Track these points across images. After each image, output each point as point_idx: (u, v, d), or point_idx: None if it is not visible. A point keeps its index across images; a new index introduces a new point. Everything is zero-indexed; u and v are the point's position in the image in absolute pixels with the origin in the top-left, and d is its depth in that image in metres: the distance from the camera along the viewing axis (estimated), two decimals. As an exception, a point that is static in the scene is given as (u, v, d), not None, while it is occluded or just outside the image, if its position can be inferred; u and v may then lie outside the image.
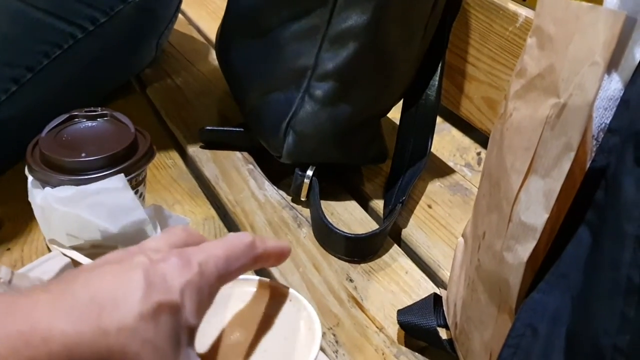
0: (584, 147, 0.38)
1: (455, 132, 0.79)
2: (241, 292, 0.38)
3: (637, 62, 0.37)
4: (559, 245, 0.37)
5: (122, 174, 0.50)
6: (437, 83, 0.68)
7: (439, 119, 0.78)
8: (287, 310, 0.37)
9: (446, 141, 0.77)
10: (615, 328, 0.33)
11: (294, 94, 0.63)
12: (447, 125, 0.80)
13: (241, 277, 0.39)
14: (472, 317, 0.44)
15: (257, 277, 0.40)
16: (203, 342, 0.35)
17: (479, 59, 0.68)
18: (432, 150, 0.68)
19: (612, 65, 0.39)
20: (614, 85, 0.39)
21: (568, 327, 0.36)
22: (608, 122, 0.38)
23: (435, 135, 0.74)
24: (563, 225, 0.38)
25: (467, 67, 0.70)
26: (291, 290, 0.38)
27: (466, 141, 0.79)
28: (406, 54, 0.63)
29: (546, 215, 0.36)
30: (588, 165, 0.37)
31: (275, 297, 0.38)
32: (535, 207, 0.36)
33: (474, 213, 0.46)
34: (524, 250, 0.37)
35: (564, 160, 0.35)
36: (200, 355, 0.35)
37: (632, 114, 0.36)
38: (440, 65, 0.67)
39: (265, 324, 0.37)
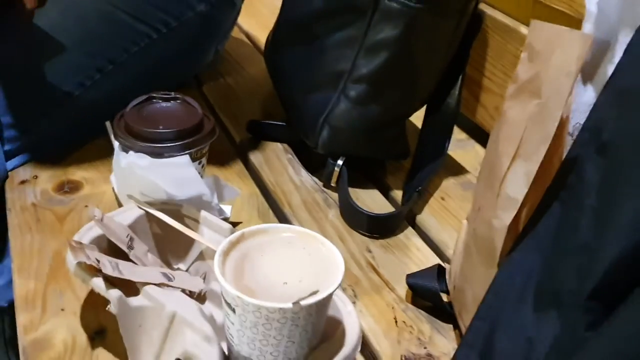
0: (561, 141, 0.48)
1: (479, 148, 0.88)
2: (282, 237, 0.49)
3: (608, 76, 0.47)
4: (536, 217, 0.47)
5: (188, 155, 0.61)
6: (457, 92, 0.78)
7: (464, 135, 0.88)
8: (317, 251, 0.48)
9: (470, 156, 0.86)
10: (572, 277, 0.42)
11: (331, 93, 0.73)
12: (472, 142, 0.89)
13: (286, 226, 0.50)
14: (467, 277, 0.54)
15: (296, 226, 0.50)
16: (252, 277, 0.46)
17: (494, 73, 0.78)
18: (455, 160, 0.78)
19: (589, 77, 0.50)
20: (589, 94, 0.49)
21: (538, 279, 0.45)
22: (582, 122, 0.48)
23: (459, 150, 0.84)
24: (541, 202, 0.47)
25: (483, 80, 0.80)
26: (320, 236, 0.49)
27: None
28: (430, 65, 0.74)
29: (525, 190, 0.46)
30: (564, 156, 0.47)
31: (308, 241, 0.49)
32: (518, 184, 0.47)
33: (474, 194, 0.56)
34: (507, 217, 0.47)
35: (541, 147, 0.45)
36: (249, 287, 0.45)
37: (597, 116, 0.45)
38: (460, 77, 0.78)
39: (301, 260, 0.47)
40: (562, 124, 0.46)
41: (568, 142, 0.48)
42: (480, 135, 0.88)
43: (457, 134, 0.88)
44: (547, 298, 0.44)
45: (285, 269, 0.47)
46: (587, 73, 0.49)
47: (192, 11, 0.84)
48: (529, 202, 0.48)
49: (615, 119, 0.43)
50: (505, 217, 0.47)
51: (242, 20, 1.15)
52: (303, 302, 0.42)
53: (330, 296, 0.45)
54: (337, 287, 0.44)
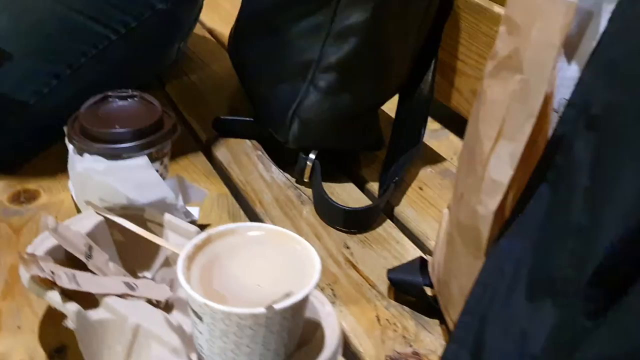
0: (546, 118, 0.45)
1: (453, 137, 0.85)
2: (253, 237, 0.45)
3: (592, 48, 0.44)
4: (524, 201, 0.44)
5: (146, 156, 0.57)
6: (430, 78, 0.75)
7: (437, 125, 0.85)
8: (292, 249, 0.44)
9: (444, 146, 0.83)
10: (566, 263, 0.39)
11: (300, 84, 0.70)
12: (446, 131, 0.86)
13: (256, 224, 0.46)
14: (451, 268, 0.51)
15: (267, 225, 0.46)
16: (221, 281, 0.42)
17: (468, 55, 0.75)
18: (432, 148, 0.75)
19: (572, 51, 0.46)
20: (573, 68, 0.46)
21: (529, 267, 0.42)
22: (567, 98, 0.45)
23: (433, 140, 0.81)
24: (528, 185, 0.44)
25: (457, 64, 0.77)
26: (294, 234, 0.45)
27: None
28: (401, 50, 0.70)
29: (511, 172, 0.43)
30: (550, 134, 0.44)
31: (281, 239, 0.45)
32: (503, 166, 0.43)
33: (456, 180, 0.53)
34: (493, 202, 0.44)
35: (526, 125, 0.42)
36: (219, 292, 0.41)
37: (584, 90, 0.42)
38: (433, 62, 0.74)
39: (275, 259, 0.44)
40: (547, 100, 0.43)
41: (553, 119, 0.45)
42: (454, 124, 0.85)
43: (431, 124, 0.85)
44: (540, 287, 0.41)
45: (258, 270, 0.43)
46: (570, 46, 0.46)
47: (151, 10, 0.79)
48: (515, 186, 0.45)
49: (604, 92, 0.40)
50: (490, 203, 0.44)
51: (203, 16, 1.11)
52: (277, 306, 0.39)
53: (307, 297, 0.41)
54: (313, 287, 0.41)
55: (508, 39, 0.45)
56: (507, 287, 0.43)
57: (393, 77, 0.72)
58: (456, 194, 0.51)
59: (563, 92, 0.47)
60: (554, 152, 0.43)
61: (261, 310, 0.39)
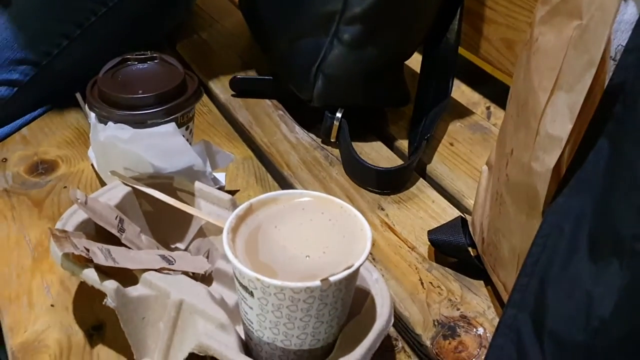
0: (603, 66, 0.42)
1: (465, 88, 0.82)
2: (297, 204, 0.43)
3: (651, -12, 0.41)
4: (581, 156, 0.42)
5: (174, 122, 0.55)
6: (456, 27, 0.71)
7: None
8: (340, 216, 0.42)
9: (456, 97, 0.80)
10: (634, 220, 0.37)
11: (323, 38, 0.66)
12: (457, 82, 0.83)
13: (298, 191, 0.44)
14: (500, 228, 0.48)
15: (310, 191, 0.44)
16: (267, 253, 0.40)
17: (497, 2, 0.71)
18: (457, 101, 0.72)
19: (629, -9, 0.43)
20: (630, 10, 0.43)
21: (590, 225, 0.40)
22: (625, 43, 0.42)
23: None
24: (584, 138, 0.42)
25: (485, 11, 0.73)
26: (339, 200, 0.43)
27: (475, 96, 0.81)
28: (428, -2, 0.67)
29: (570, 126, 0.40)
30: (607, 83, 0.41)
31: (327, 206, 0.43)
32: (561, 119, 0.41)
33: (500, 136, 0.50)
34: (551, 158, 0.41)
35: (586, 75, 0.40)
36: (267, 265, 0.39)
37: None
38: (459, 9, 0.71)
39: (321, 229, 0.41)
40: (605, 46, 0.40)
41: (610, 67, 0.42)
42: (463, 74, 0.81)
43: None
44: (604, 247, 0.39)
45: (305, 240, 0.41)
46: (626, -14, 0.43)
47: None
48: (571, 139, 0.42)
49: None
50: (548, 159, 0.41)
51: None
52: (333, 278, 0.37)
53: (359, 267, 0.39)
54: (367, 257, 0.39)
55: (563, -18, 0.42)
56: (567, 247, 0.41)
57: (420, 26, 0.69)
58: (503, 150, 0.49)
59: (620, 38, 0.44)
60: (612, 103, 0.40)
61: (317, 283, 0.37)
